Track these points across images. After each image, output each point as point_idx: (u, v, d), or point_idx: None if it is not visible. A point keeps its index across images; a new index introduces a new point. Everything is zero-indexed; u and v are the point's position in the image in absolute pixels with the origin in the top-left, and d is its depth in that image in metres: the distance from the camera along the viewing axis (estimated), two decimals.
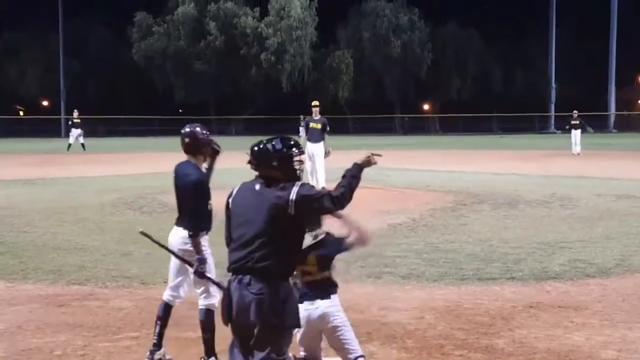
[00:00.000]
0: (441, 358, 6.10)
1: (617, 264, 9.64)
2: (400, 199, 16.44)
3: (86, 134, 39.66)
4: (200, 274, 5.84)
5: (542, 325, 6.98)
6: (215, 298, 5.99)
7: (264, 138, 4.65)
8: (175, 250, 6.04)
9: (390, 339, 6.52)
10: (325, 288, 4.97)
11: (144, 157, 31.49)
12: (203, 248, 5.90)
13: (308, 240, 4.84)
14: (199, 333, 6.28)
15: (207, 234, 6.05)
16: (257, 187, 4.45)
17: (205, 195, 5.99)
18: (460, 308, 7.61)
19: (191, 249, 5.91)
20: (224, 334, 4.89)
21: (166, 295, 6.23)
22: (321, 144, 17.61)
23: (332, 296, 4.97)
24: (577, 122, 34.74)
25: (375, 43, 75.21)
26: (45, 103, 77.12)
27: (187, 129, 6.21)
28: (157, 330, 6.15)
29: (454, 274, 9.11)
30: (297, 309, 4.49)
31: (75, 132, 37.80)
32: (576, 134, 34.23)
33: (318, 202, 4.42)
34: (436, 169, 24.91)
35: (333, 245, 5.04)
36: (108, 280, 8.91)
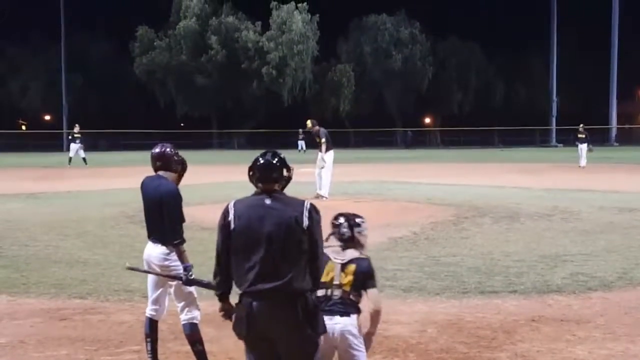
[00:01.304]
0: None
1: (619, 277, 9.63)
2: (401, 213, 16.43)
3: (88, 148, 39.75)
4: (190, 281, 5.86)
5: (544, 339, 6.97)
6: (197, 311, 6.03)
7: (260, 152, 4.62)
8: (155, 267, 6.06)
9: (392, 353, 6.51)
10: (348, 305, 4.92)
11: (145, 171, 31.17)
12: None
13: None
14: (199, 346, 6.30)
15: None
16: (268, 201, 4.34)
17: (181, 204, 5.99)
18: (462, 321, 7.60)
19: (172, 264, 5.92)
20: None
21: (148, 311, 6.24)
22: (328, 153, 17.75)
23: (352, 315, 4.92)
24: (583, 135, 34.69)
25: (376, 57, 75.38)
26: (47, 117, 77.27)
27: (157, 150, 6.18)
28: (149, 347, 6.17)
29: (456, 288, 9.10)
30: (322, 315, 4.51)
31: (75, 146, 37.85)
32: (582, 147, 34.20)
33: (320, 240, 4.44)
34: (437, 183, 24.90)
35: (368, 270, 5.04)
36: (110, 294, 8.91)
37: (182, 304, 6.07)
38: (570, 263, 10.57)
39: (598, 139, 55.33)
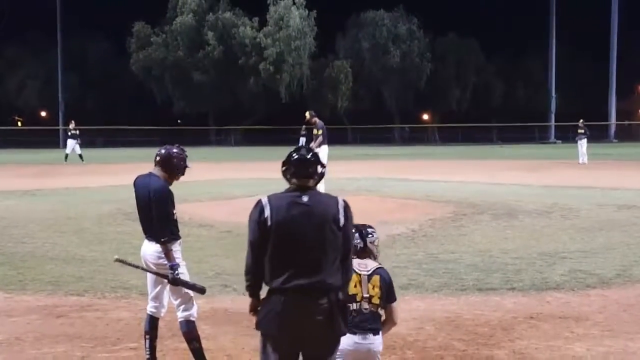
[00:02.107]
0: None
1: (618, 275, 9.62)
2: (399, 209, 16.41)
3: (85, 145, 39.61)
4: (176, 281, 5.84)
5: (542, 336, 6.96)
6: (194, 308, 6.02)
7: (292, 148, 4.61)
8: (150, 264, 6.05)
9: (390, 350, 6.48)
10: (377, 321, 4.92)
11: (142, 168, 31.07)
12: (175, 255, 5.91)
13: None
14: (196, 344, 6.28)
15: (179, 243, 6.06)
16: (305, 199, 4.33)
17: (172, 202, 5.97)
18: (460, 319, 7.59)
19: (166, 262, 5.90)
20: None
21: (149, 308, 6.23)
22: (321, 147, 17.70)
23: (380, 332, 4.93)
24: (582, 131, 34.63)
25: (374, 53, 75.17)
26: (43, 114, 77.17)
27: (163, 151, 6.16)
28: (148, 344, 6.15)
29: (454, 285, 9.09)
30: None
31: (71, 142, 37.76)
32: (581, 143, 34.18)
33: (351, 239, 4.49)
34: (436, 179, 24.88)
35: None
36: (107, 291, 8.90)
37: (178, 301, 6.06)
38: (569, 260, 10.57)
39: (597, 135, 55.24)
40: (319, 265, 4.24)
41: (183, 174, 6.24)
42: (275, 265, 4.30)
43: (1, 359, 6.37)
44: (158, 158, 6.11)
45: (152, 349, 6.14)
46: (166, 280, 6.03)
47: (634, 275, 9.60)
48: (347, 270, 4.44)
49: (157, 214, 5.92)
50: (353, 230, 4.73)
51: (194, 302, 6.07)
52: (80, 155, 37.09)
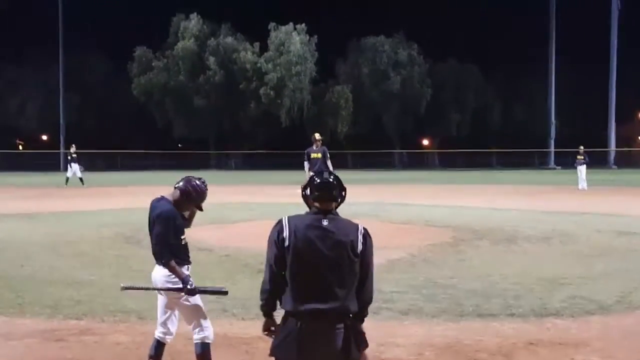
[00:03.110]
0: None
1: (618, 301, 9.59)
2: (398, 234, 16.40)
3: (85, 168, 39.67)
4: (192, 291, 5.83)
5: None
6: (209, 330, 5.99)
7: (317, 172, 4.65)
8: (160, 289, 6.06)
9: None
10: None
11: (143, 191, 31.23)
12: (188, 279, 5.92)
13: None
14: None
15: (187, 267, 6.07)
16: (325, 222, 4.33)
17: (174, 226, 5.97)
18: (459, 344, 7.56)
19: (174, 286, 5.91)
20: None
21: (157, 333, 6.21)
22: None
23: None
24: (582, 157, 34.70)
25: (374, 78, 75.49)
26: (44, 137, 77.32)
27: (181, 184, 6.18)
28: None
29: (453, 310, 9.06)
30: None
31: (74, 166, 37.85)
32: (580, 169, 34.22)
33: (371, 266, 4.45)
34: (435, 204, 24.87)
35: None
36: (105, 315, 8.86)
37: (192, 324, 6.05)
38: (569, 286, 10.54)
39: (597, 161, 55.25)
40: (335, 290, 4.24)
41: (200, 209, 6.25)
42: (292, 287, 4.30)
43: None
44: (176, 184, 6.16)
45: None
46: (176, 307, 6.04)
47: (634, 302, 9.57)
48: (364, 294, 4.41)
49: (155, 234, 5.97)
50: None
51: (210, 325, 6.05)
52: (81, 179, 37.14)
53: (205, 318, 6.05)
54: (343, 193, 4.51)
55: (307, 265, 4.26)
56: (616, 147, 71.71)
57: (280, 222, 4.39)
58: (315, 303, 4.22)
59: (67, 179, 37.44)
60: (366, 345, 4.76)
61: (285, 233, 4.31)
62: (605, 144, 70.05)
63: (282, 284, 4.34)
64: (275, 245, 4.33)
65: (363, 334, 4.44)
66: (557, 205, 25.13)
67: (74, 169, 37.69)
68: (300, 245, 4.27)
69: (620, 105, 69.72)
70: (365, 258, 4.36)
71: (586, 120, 74.66)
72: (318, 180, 4.48)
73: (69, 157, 38.83)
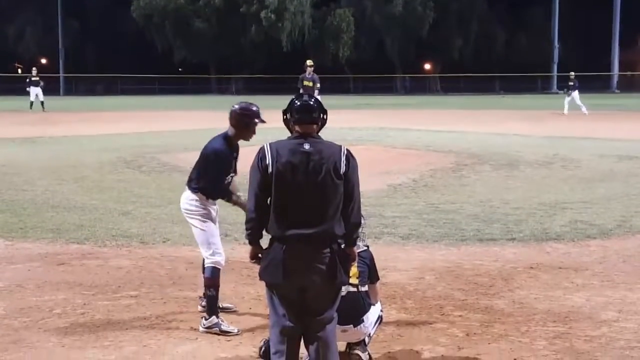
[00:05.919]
0: (441, 318, 6.09)
1: (618, 225, 9.63)
2: (400, 159, 16.36)
3: (84, 93, 39.40)
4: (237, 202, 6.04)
5: (542, 286, 6.97)
6: (222, 256, 5.97)
7: (297, 95, 4.57)
8: (182, 210, 6.05)
9: (390, 300, 6.50)
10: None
11: (143, 116, 31.26)
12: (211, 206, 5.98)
13: None
14: (198, 292, 6.30)
15: (214, 202, 6.06)
16: (307, 146, 4.27)
17: (213, 163, 5.92)
18: (460, 269, 7.61)
19: (193, 208, 5.90)
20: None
21: (222, 261, 6.05)
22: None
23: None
24: (572, 83, 34.38)
25: (376, 1, 74.30)
26: (43, 61, 76.63)
27: (232, 107, 6.04)
28: (218, 296, 5.98)
29: (454, 235, 9.10)
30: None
31: (34, 90, 37.52)
32: (574, 96, 33.89)
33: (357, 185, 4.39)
34: (437, 129, 24.78)
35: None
36: (107, 239, 8.91)
37: (204, 247, 5.98)
38: (570, 211, 10.56)
39: (599, 85, 54.90)
40: (320, 214, 4.22)
41: (253, 132, 6.09)
42: (276, 213, 4.27)
43: (3, 306, 6.39)
44: (229, 115, 6.04)
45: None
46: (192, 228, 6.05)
47: (634, 226, 9.60)
48: (351, 218, 4.35)
49: (196, 164, 6.02)
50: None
51: (222, 252, 6.02)
52: (42, 103, 36.93)
53: (219, 244, 6.01)
54: (324, 116, 4.44)
55: (291, 190, 4.22)
56: (619, 71, 71.16)
57: (262, 149, 4.33)
58: (300, 228, 4.21)
59: (32, 103, 37.23)
60: (377, 278, 4.91)
61: (268, 160, 4.26)
62: (608, 68, 69.49)
63: (266, 212, 4.31)
64: (258, 172, 4.29)
65: (349, 258, 4.43)
66: (559, 130, 25.05)
67: (35, 92, 37.38)
68: (283, 170, 4.22)
69: (624, 30, 68.90)
70: (349, 179, 4.30)
71: (590, 45, 73.73)
72: (298, 103, 4.41)
73: (28, 80, 38.47)
